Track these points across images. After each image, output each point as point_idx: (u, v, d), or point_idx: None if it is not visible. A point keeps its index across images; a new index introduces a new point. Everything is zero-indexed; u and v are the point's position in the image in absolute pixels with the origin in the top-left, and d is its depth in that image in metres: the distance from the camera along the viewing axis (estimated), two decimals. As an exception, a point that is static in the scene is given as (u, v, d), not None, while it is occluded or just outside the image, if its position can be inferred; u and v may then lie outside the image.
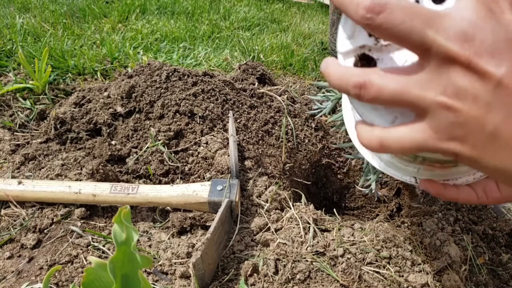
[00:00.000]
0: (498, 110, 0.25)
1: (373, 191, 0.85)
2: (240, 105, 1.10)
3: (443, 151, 0.29)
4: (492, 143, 0.27)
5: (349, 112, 0.46)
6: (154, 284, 0.65)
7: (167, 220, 0.79)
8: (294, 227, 0.76)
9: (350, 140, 0.87)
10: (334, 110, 0.94)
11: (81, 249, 0.72)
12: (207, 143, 0.92)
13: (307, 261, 0.69)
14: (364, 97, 0.30)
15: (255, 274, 0.67)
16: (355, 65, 0.33)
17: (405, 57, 0.32)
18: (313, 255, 0.70)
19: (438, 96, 0.27)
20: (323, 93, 0.97)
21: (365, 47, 0.33)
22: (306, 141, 1.17)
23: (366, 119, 0.34)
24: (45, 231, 0.76)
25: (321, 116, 0.99)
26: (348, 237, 0.74)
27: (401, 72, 0.29)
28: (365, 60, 0.33)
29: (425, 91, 0.27)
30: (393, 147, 0.30)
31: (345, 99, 0.47)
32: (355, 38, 0.33)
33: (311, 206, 0.83)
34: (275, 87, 1.32)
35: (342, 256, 0.70)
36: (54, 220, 0.77)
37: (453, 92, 0.26)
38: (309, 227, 0.76)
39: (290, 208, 0.81)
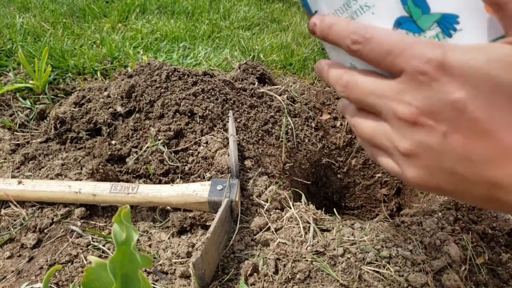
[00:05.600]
0: (450, 155, 0.30)
1: None
2: (240, 105, 1.10)
3: None
4: (450, 176, 0.31)
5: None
6: (154, 284, 0.65)
7: (167, 220, 0.79)
8: (294, 227, 0.76)
9: None
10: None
11: (81, 249, 0.72)
12: (207, 142, 0.92)
13: (307, 260, 0.69)
14: (345, 95, 0.36)
15: (255, 274, 0.67)
16: None
17: None
18: (313, 254, 0.70)
19: (400, 144, 0.32)
20: None
21: None
22: (306, 140, 1.17)
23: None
24: (45, 230, 0.76)
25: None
26: (348, 237, 0.74)
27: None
28: None
29: (388, 140, 0.33)
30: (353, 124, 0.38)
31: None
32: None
33: (311, 206, 0.83)
34: (275, 86, 1.32)
35: (342, 255, 0.70)
36: (54, 220, 0.77)
37: (413, 143, 0.31)
38: (309, 227, 0.76)
39: (290, 208, 0.81)
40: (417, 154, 0.31)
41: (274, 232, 0.76)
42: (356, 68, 0.35)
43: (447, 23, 0.31)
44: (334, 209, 0.89)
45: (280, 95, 1.24)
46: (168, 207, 0.82)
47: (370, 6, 0.33)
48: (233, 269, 0.68)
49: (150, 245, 0.73)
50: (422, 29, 0.32)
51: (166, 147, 0.92)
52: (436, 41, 0.32)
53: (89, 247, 0.72)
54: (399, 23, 0.32)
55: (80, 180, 0.83)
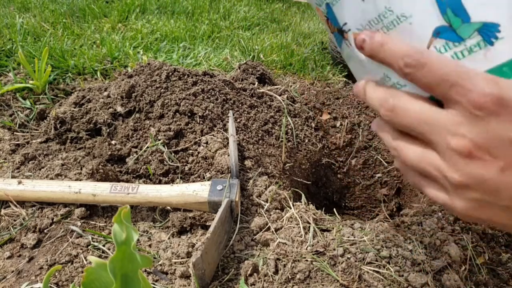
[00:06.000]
0: (507, 191, 0.29)
1: None
2: (240, 105, 1.10)
3: None
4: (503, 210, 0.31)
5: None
6: (154, 284, 0.65)
7: (167, 220, 0.79)
8: (294, 227, 0.76)
9: None
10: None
11: (81, 249, 0.72)
12: (207, 142, 0.92)
13: (307, 260, 0.69)
14: (390, 119, 0.34)
15: (255, 274, 0.67)
16: None
17: None
18: (313, 254, 0.70)
19: (452, 175, 0.31)
20: None
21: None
22: (306, 140, 1.17)
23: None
24: (45, 231, 0.76)
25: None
26: (348, 237, 0.74)
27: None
28: None
29: (437, 170, 0.33)
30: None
31: None
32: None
33: (311, 206, 0.83)
34: (275, 86, 1.32)
35: (342, 255, 0.70)
36: (54, 220, 0.77)
37: (466, 175, 0.31)
38: (309, 227, 0.76)
39: (290, 208, 0.81)
40: (469, 186, 0.31)
41: (274, 232, 0.76)
42: (401, 90, 0.35)
43: (489, 32, 0.30)
44: (334, 209, 0.89)
45: (280, 95, 1.24)
46: (168, 207, 0.82)
47: (407, 17, 0.32)
48: (233, 269, 0.68)
49: (150, 245, 0.73)
50: (462, 38, 0.31)
51: (166, 147, 0.92)
52: (482, 57, 0.31)
53: (89, 247, 0.72)
54: (438, 33, 0.32)
55: (80, 180, 0.83)
